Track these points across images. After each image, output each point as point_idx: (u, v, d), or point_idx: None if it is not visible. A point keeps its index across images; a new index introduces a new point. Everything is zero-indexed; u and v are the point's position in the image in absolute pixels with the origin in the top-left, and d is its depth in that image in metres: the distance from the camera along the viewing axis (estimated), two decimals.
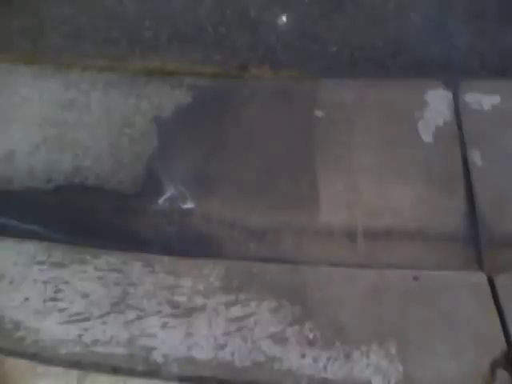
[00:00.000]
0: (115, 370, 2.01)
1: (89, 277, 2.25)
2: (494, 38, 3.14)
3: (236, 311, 2.10)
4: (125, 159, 2.72)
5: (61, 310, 2.15)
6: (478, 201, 2.39)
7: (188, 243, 2.44)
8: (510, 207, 2.37)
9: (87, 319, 2.12)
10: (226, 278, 2.21)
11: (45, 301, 2.19)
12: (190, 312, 2.11)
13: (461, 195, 2.41)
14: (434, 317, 2.03)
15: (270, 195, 2.54)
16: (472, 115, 2.71)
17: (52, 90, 3.00)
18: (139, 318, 2.11)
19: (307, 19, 3.40)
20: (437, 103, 2.78)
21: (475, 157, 2.55)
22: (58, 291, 2.21)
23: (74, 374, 2.00)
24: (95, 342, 2.06)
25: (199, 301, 2.15)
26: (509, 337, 1.95)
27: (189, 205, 2.54)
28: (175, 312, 2.12)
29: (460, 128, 2.67)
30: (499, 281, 2.11)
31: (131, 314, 2.12)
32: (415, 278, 2.15)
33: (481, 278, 2.14)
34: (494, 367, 1.89)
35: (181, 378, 1.97)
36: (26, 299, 2.20)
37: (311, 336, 2.01)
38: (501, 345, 1.93)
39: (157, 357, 2.01)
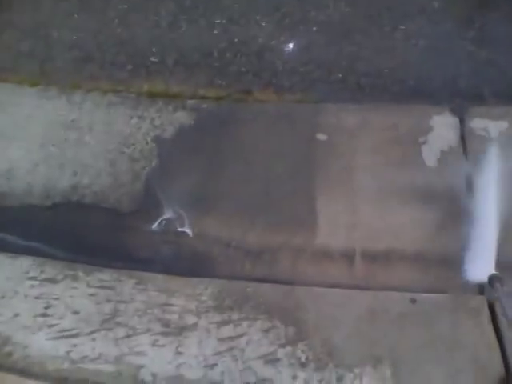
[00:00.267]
0: None
1: (80, 293, 2.28)
2: (503, 65, 3.19)
3: (227, 331, 2.11)
4: (123, 178, 2.78)
5: (50, 326, 2.18)
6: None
7: (183, 262, 2.46)
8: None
9: (76, 335, 2.14)
10: (219, 297, 2.22)
11: (35, 316, 2.22)
12: (180, 331, 2.12)
13: (462, 220, 2.40)
14: (430, 340, 2.01)
15: (268, 215, 2.57)
16: (478, 141, 2.73)
17: (55, 110, 3.10)
18: (129, 335, 2.13)
19: (314, 46, 3.48)
20: (442, 128, 2.80)
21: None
22: (48, 307, 2.24)
23: None
24: (83, 359, 2.08)
25: (190, 319, 2.16)
26: (507, 363, 1.92)
27: (186, 227, 2.57)
28: (166, 330, 2.13)
29: (465, 153, 2.69)
30: (499, 305, 2.09)
31: (121, 332, 2.14)
32: (412, 301, 2.14)
33: (481, 302, 2.12)
34: None
35: None
36: (16, 314, 2.23)
37: (303, 358, 2.00)
38: (499, 371, 1.91)
39: (145, 375, 2.02)
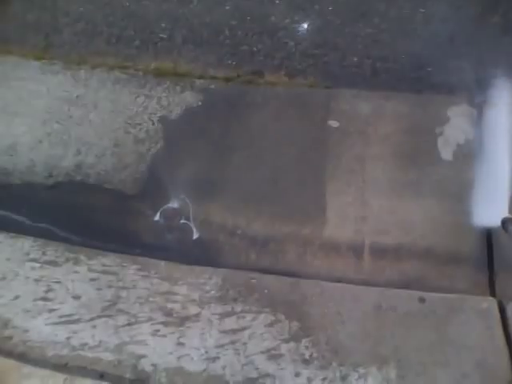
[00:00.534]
0: (102, 376, 2.02)
1: (82, 278, 2.27)
2: None
3: (230, 323, 2.10)
4: (128, 159, 2.76)
5: (51, 311, 2.18)
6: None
7: (186, 248, 2.45)
8: None
9: (77, 321, 2.14)
10: (223, 288, 2.21)
11: (35, 300, 2.22)
12: (182, 321, 2.12)
13: (475, 216, 2.37)
14: (437, 342, 2.00)
15: (276, 204, 2.55)
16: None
17: (60, 85, 3.07)
18: (130, 323, 2.12)
19: (329, 27, 3.40)
20: (459, 120, 2.75)
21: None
22: (49, 291, 2.23)
23: (61, 377, 2.02)
24: (83, 346, 2.08)
25: (193, 310, 2.15)
26: None
27: (190, 220, 2.55)
28: (167, 320, 2.13)
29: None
30: (511, 308, 2.08)
31: (122, 319, 2.13)
32: (421, 300, 2.13)
33: (491, 303, 2.11)
34: None
35: None
36: (17, 297, 2.23)
37: (307, 354, 2.00)
38: (507, 375, 1.90)
39: (145, 365, 2.02)
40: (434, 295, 2.16)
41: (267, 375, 1.95)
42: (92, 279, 2.27)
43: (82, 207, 2.64)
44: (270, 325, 2.09)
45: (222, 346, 2.04)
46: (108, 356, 2.04)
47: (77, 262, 2.33)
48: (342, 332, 2.06)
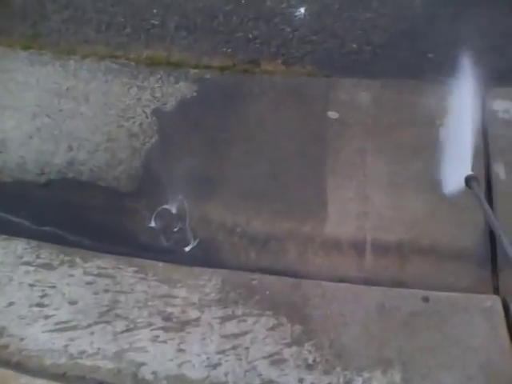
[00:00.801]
0: None
1: (77, 281, 2.24)
2: None
3: (232, 327, 2.08)
4: (122, 154, 2.71)
5: (47, 317, 2.14)
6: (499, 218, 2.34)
7: (184, 248, 2.42)
8: None
9: (74, 328, 2.10)
10: (223, 290, 2.18)
11: (30, 306, 2.18)
12: (182, 326, 2.09)
13: (479, 211, 2.34)
14: (442, 343, 1.98)
15: (275, 201, 2.51)
16: (499, 125, 2.65)
17: (49, 76, 2.99)
18: (129, 329, 2.09)
19: (327, 12, 3.33)
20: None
21: (499, 170, 2.50)
22: (44, 296, 2.20)
23: None
24: (81, 354, 2.04)
25: (193, 314, 2.12)
26: None
27: (186, 211, 2.52)
28: (167, 325, 2.10)
29: (485, 138, 2.61)
30: None
31: (120, 325, 2.10)
32: (424, 299, 2.10)
33: (495, 302, 2.09)
34: None
35: None
36: (11, 303, 2.19)
37: (310, 359, 1.98)
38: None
39: (146, 373, 1.98)
40: (437, 294, 2.13)
41: (270, 382, 1.93)
42: (88, 283, 2.23)
43: (75, 206, 2.60)
44: (272, 328, 2.06)
45: (223, 351, 2.01)
46: (107, 364, 2.01)
47: (72, 264, 2.29)
48: (345, 334, 2.04)
